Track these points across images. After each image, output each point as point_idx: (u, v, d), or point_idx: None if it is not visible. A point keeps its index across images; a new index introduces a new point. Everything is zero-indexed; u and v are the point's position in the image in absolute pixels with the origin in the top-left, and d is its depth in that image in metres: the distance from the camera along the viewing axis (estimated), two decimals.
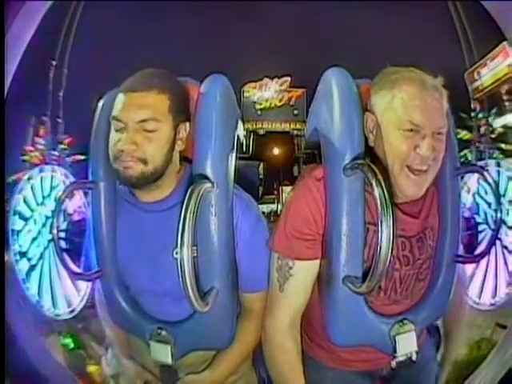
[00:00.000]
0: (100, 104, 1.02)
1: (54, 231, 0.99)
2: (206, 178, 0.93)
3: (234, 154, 0.99)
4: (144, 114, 0.90)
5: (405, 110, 0.89)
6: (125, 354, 1.11)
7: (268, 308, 1.01)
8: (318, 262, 0.97)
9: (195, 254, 0.92)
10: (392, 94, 0.91)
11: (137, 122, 0.90)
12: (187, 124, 0.97)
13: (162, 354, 0.99)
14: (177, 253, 0.82)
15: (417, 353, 1.00)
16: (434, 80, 0.92)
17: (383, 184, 0.80)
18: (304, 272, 0.97)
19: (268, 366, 1.03)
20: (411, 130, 0.89)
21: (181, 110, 0.96)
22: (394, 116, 0.90)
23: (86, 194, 1.10)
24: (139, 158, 0.90)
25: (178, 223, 0.81)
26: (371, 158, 0.93)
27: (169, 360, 0.99)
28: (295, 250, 0.95)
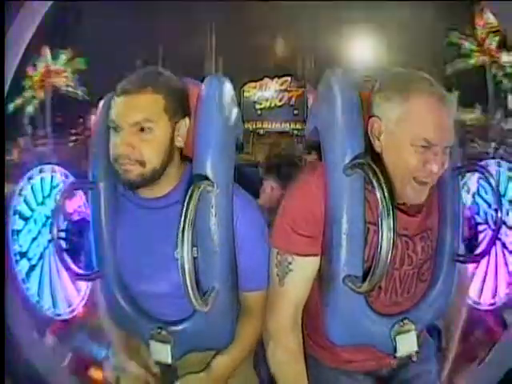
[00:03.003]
0: (100, 105, 1.02)
1: (54, 231, 0.99)
2: (207, 178, 0.93)
3: (234, 154, 0.99)
4: (137, 116, 0.90)
5: (420, 127, 0.87)
6: (125, 355, 1.11)
7: (269, 306, 1.00)
8: (317, 258, 0.96)
9: (196, 255, 0.92)
10: (406, 107, 0.88)
11: (131, 124, 0.90)
12: (187, 120, 0.97)
13: (162, 353, 0.99)
14: (178, 253, 0.82)
15: (417, 353, 1.00)
16: (451, 96, 0.91)
17: (384, 183, 0.80)
18: (303, 267, 0.96)
19: (270, 365, 1.02)
20: (424, 146, 0.88)
21: (178, 108, 0.95)
22: (409, 131, 0.88)
23: (86, 193, 1.10)
24: (137, 160, 0.90)
25: (179, 222, 0.81)
26: (372, 157, 0.92)
27: (168, 360, 0.98)
28: (294, 246, 0.95)
